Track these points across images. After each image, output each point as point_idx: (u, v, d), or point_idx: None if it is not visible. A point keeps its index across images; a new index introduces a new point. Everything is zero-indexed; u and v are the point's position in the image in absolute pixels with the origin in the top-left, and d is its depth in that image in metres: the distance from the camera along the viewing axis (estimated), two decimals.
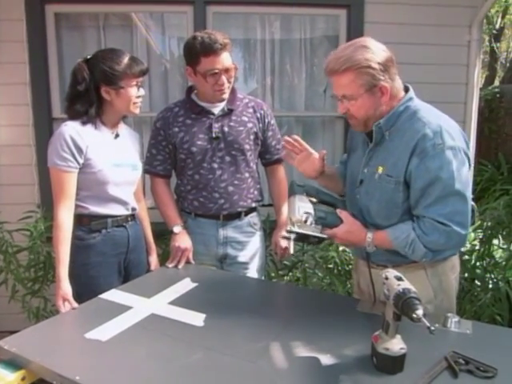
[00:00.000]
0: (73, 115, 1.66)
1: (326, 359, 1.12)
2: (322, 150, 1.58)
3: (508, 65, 9.19)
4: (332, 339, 1.22)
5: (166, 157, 1.93)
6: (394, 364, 1.06)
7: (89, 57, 1.67)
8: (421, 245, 1.34)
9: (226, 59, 1.76)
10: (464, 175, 1.31)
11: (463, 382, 1.03)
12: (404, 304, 1.00)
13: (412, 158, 1.32)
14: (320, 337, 1.23)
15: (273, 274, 2.58)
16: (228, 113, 1.89)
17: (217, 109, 1.89)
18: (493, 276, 2.42)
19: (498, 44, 8.86)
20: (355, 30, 2.85)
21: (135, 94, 1.68)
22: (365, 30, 2.86)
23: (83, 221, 1.68)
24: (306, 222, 1.39)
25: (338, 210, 1.47)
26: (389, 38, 2.78)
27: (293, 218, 1.40)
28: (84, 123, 1.65)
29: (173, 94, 2.94)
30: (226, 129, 1.87)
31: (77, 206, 1.65)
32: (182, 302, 1.47)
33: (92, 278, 1.69)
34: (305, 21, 3.00)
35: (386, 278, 1.09)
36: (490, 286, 2.39)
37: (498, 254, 2.53)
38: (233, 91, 1.92)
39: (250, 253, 2.00)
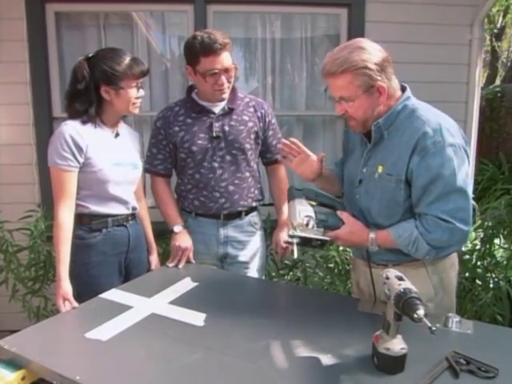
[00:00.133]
0: (72, 114, 1.66)
1: (327, 359, 1.12)
2: (321, 153, 1.58)
3: (509, 64, 9.18)
4: (333, 339, 1.22)
5: (166, 156, 1.93)
6: (394, 364, 1.06)
7: (90, 55, 1.66)
8: (424, 242, 1.34)
9: (225, 59, 1.76)
10: (464, 172, 1.32)
11: (464, 382, 1.02)
12: (405, 304, 1.00)
13: (413, 156, 1.32)
14: (321, 336, 1.23)
15: (273, 274, 2.57)
16: (229, 112, 1.89)
17: (217, 108, 1.88)
18: (494, 275, 2.42)
19: (499, 43, 8.84)
20: (356, 29, 2.85)
21: (135, 94, 1.68)
22: (366, 29, 2.85)
23: (84, 220, 1.68)
24: (307, 225, 1.38)
25: (338, 212, 1.46)
26: (390, 37, 2.82)
27: (294, 223, 1.40)
28: (84, 122, 1.65)
29: (173, 94, 2.94)
30: (226, 128, 1.87)
31: (77, 206, 1.65)
32: (182, 301, 1.47)
33: (92, 278, 1.68)
34: (305, 20, 2.99)
35: (387, 278, 1.09)
36: (491, 285, 2.38)
37: (499, 254, 2.53)
38: (233, 90, 1.91)
39: (251, 252, 2.00)
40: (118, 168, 1.70)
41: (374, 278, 1.47)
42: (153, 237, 2.00)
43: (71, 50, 2.81)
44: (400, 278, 1.07)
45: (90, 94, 1.63)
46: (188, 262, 1.87)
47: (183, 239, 1.87)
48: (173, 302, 1.46)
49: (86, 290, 1.57)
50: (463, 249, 2.54)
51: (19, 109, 2.75)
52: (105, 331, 1.26)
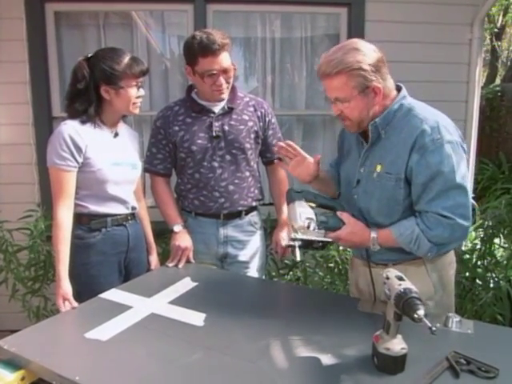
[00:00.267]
0: (72, 114, 1.66)
1: (327, 359, 1.12)
2: (317, 155, 1.58)
3: (509, 63, 9.18)
4: (332, 339, 1.22)
5: (166, 155, 1.93)
6: (395, 364, 1.05)
7: (90, 55, 1.66)
8: (426, 240, 1.34)
9: (224, 60, 1.76)
10: (463, 168, 1.33)
11: (464, 382, 1.02)
12: (405, 304, 1.00)
13: (412, 154, 1.33)
14: (321, 336, 1.23)
15: (273, 273, 2.57)
16: (228, 111, 1.89)
17: (217, 107, 1.88)
18: (494, 275, 2.42)
19: (499, 42, 8.84)
20: (356, 28, 2.84)
21: (135, 94, 1.67)
22: (366, 28, 2.85)
23: (83, 220, 1.68)
24: (308, 227, 1.38)
25: (338, 212, 1.46)
26: (390, 37, 2.82)
27: (295, 225, 1.39)
28: (83, 122, 1.65)
29: (173, 93, 2.93)
30: (226, 127, 1.87)
31: (76, 205, 1.65)
32: (182, 301, 1.47)
33: (92, 278, 1.68)
34: (305, 19, 2.99)
35: (387, 278, 1.09)
36: (491, 285, 2.38)
37: (499, 253, 2.53)
38: (233, 90, 1.91)
39: (251, 252, 2.00)
40: (117, 168, 1.70)
41: (373, 278, 1.47)
42: (152, 236, 2.00)
43: (71, 50, 2.80)
44: (400, 278, 1.07)
45: (90, 94, 1.63)
46: (188, 261, 1.87)
47: (183, 239, 1.87)
48: (173, 302, 1.46)
49: (85, 289, 1.57)
50: (463, 248, 2.55)
51: (19, 108, 2.75)
52: (104, 331, 1.25)
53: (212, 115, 1.87)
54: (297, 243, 1.38)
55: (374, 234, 1.40)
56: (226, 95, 1.86)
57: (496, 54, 8.88)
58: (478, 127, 3.06)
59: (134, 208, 1.82)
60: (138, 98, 1.70)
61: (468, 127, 2.95)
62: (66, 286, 1.55)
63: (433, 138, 1.30)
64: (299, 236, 1.38)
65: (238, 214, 1.95)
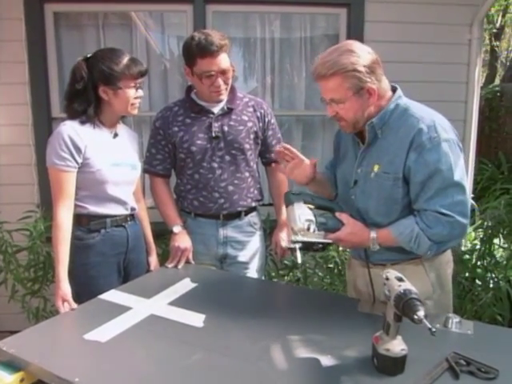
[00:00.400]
0: (72, 114, 1.66)
1: (327, 360, 1.11)
2: (314, 159, 1.58)
3: (508, 64, 9.19)
4: (332, 340, 1.22)
5: (165, 156, 1.93)
6: (394, 365, 1.05)
7: (89, 55, 1.66)
8: (425, 238, 1.35)
9: (222, 61, 1.75)
10: (461, 166, 1.35)
11: (464, 383, 1.02)
12: (405, 305, 0.99)
13: (409, 153, 1.34)
14: (320, 337, 1.23)
15: (273, 274, 2.57)
16: (228, 112, 1.89)
17: (216, 108, 1.88)
18: (493, 275, 2.42)
19: (499, 43, 8.85)
20: (355, 28, 2.84)
21: (133, 95, 1.67)
22: (365, 28, 2.85)
23: (82, 221, 1.68)
24: (308, 229, 1.37)
25: (337, 213, 1.46)
26: (389, 37, 2.82)
27: (295, 228, 1.39)
28: (82, 123, 1.65)
29: (172, 94, 2.93)
30: (225, 128, 1.87)
31: (76, 206, 1.64)
32: (181, 302, 1.46)
33: (91, 278, 1.68)
34: (305, 20, 2.99)
35: (387, 279, 1.09)
36: (491, 285, 2.39)
37: (499, 254, 2.53)
38: (232, 90, 1.91)
39: (250, 252, 1.99)
40: (116, 168, 1.70)
41: (372, 278, 1.47)
42: (152, 237, 1.99)
43: (70, 50, 2.80)
44: (400, 279, 1.07)
45: (89, 94, 1.63)
46: (187, 262, 1.87)
47: (182, 240, 1.87)
48: (172, 303, 1.46)
49: (85, 290, 1.57)
50: (463, 248, 2.55)
51: (18, 109, 2.75)
52: (104, 332, 1.25)
53: (211, 116, 1.87)
54: (297, 245, 1.38)
55: (373, 234, 1.41)
56: (224, 96, 1.86)
57: (495, 55, 8.89)
58: (478, 127, 3.06)
59: (133, 209, 1.82)
60: (136, 98, 1.69)
61: (467, 127, 2.95)
62: (65, 287, 1.55)
63: (430, 136, 1.31)
64: (299, 238, 1.38)
65: (237, 215, 1.95)
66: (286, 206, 1.49)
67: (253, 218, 2.01)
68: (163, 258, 2.08)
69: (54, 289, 1.58)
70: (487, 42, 8.26)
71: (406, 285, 1.04)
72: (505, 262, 2.44)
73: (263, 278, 2.16)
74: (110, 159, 1.68)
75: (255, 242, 2.01)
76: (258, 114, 1.95)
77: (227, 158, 1.89)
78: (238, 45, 2.98)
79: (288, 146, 1.60)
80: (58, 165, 1.59)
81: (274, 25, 2.99)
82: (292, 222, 1.42)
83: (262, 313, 1.41)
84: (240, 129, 1.89)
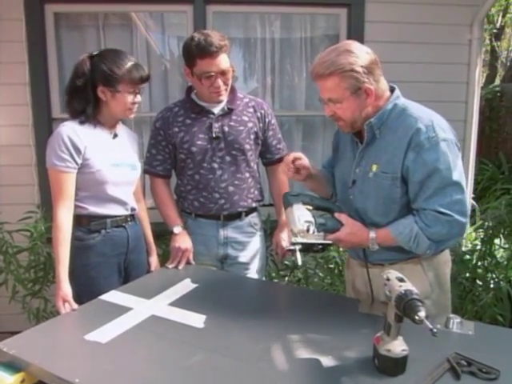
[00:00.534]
0: (71, 112, 1.66)
1: (327, 361, 1.11)
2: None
3: (508, 64, 9.18)
4: (333, 340, 1.22)
5: (165, 157, 1.93)
6: (395, 366, 1.05)
7: (95, 53, 1.66)
8: (425, 237, 1.35)
9: (222, 62, 1.75)
10: (459, 165, 1.35)
11: (465, 383, 1.02)
12: (406, 306, 0.99)
13: (408, 152, 1.34)
14: (321, 338, 1.23)
15: (274, 275, 2.57)
16: (228, 112, 1.89)
17: (217, 108, 1.88)
18: (494, 276, 2.41)
19: (499, 43, 8.84)
20: (356, 29, 2.84)
21: (131, 100, 1.67)
22: (365, 29, 2.85)
23: (82, 221, 1.67)
24: (308, 230, 1.37)
25: (336, 214, 1.46)
26: (389, 38, 2.82)
27: (294, 229, 1.39)
28: (82, 123, 1.65)
29: (173, 94, 2.93)
30: (226, 128, 1.87)
31: (76, 207, 1.64)
32: (182, 303, 1.46)
33: (92, 279, 1.68)
34: (305, 20, 2.99)
35: (388, 279, 1.09)
36: (492, 285, 2.38)
37: (500, 254, 2.53)
38: (232, 90, 1.91)
39: (251, 253, 1.99)
40: (116, 169, 1.70)
41: (370, 278, 1.47)
42: (152, 238, 1.99)
43: (70, 51, 2.80)
44: (401, 280, 1.07)
45: (88, 92, 1.63)
46: (188, 263, 1.87)
47: (183, 240, 1.87)
48: (173, 304, 1.45)
49: (85, 291, 1.57)
50: (463, 249, 2.54)
51: (18, 110, 2.75)
52: (104, 333, 1.25)
53: (212, 116, 1.87)
54: (297, 247, 1.38)
55: (372, 234, 1.41)
56: (224, 97, 1.86)
57: (495, 55, 8.88)
58: (478, 128, 3.06)
59: (133, 209, 1.81)
60: (133, 104, 1.69)
61: (468, 128, 2.95)
62: (65, 288, 1.55)
63: (428, 136, 1.32)
64: (299, 240, 1.38)
65: (238, 215, 1.95)
66: (285, 208, 1.49)
67: (253, 218, 2.01)
68: (164, 259, 2.08)
69: (54, 289, 1.58)
70: (487, 42, 8.25)
71: (407, 285, 1.04)
72: (505, 263, 2.43)
73: (264, 278, 2.15)
74: (109, 160, 1.68)
75: (256, 243, 2.01)
76: (259, 114, 1.95)
77: (227, 158, 1.88)
78: (238, 45, 2.98)
79: (301, 162, 1.58)
80: (58, 166, 1.59)
81: (275, 25, 2.99)
82: (291, 224, 1.41)
83: (263, 313, 1.41)
84: (240, 129, 1.89)
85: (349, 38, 2.77)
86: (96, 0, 2.75)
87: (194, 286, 1.61)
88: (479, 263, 2.45)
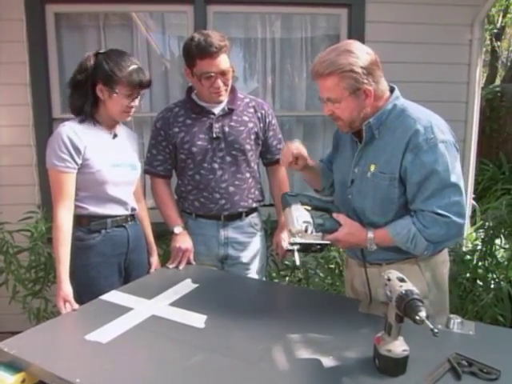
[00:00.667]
0: (72, 107, 1.68)
1: (328, 361, 1.11)
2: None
3: (509, 64, 9.18)
4: (334, 341, 1.22)
5: (166, 157, 1.93)
6: (396, 366, 1.05)
7: (102, 51, 1.67)
8: (422, 238, 1.35)
9: (222, 62, 1.75)
10: (457, 167, 1.35)
11: (466, 383, 1.02)
12: (407, 306, 0.99)
13: (406, 153, 1.34)
14: (322, 338, 1.23)
15: (274, 275, 2.57)
16: (229, 112, 1.89)
17: (217, 109, 1.88)
18: (495, 276, 2.41)
19: (499, 43, 8.84)
20: (356, 29, 2.84)
21: (127, 103, 1.67)
22: (366, 29, 2.85)
23: (82, 221, 1.68)
24: (306, 231, 1.37)
25: (334, 214, 1.47)
26: (390, 38, 2.82)
27: (293, 230, 1.39)
28: (81, 121, 1.65)
29: (173, 94, 2.93)
30: (226, 129, 1.87)
31: (76, 207, 1.64)
32: (182, 303, 1.46)
33: (92, 279, 1.68)
34: (305, 20, 2.99)
35: (388, 280, 1.08)
36: (492, 286, 2.38)
37: (500, 254, 2.53)
38: (233, 91, 1.91)
39: (251, 253, 1.99)
40: (116, 169, 1.70)
41: (368, 278, 1.47)
42: (153, 238, 1.99)
43: (71, 51, 2.80)
44: (401, 280, 1.07)
45: (87, 89, 1.63)
46: (188, 263, 1.87)
47: (183, 240, 1.87)
48: (173, 304, 1.45)
49: (85, 291, 1.57)
50: (464, 249, 2.54)
51: (19, 110, 2.75)
52: (105, 333, 1.25)
53: (212, 116, 1.87)
54: (295, 247, 1.38)
55: (370, 235, 1.41)
56: (224, 97, 1.86)
57: (496, 55, 8.87)
58: (479, 128, 3.06)
59: (133, 209, 1.82)
60: (130, 107, 1.69)
61: (468, 128, 2.95)
62: (66, 288, 1.55)
63: (426, 137, 1.32)
64: (298, 240, 1.38)
65: (238, 216, 1.95)
66: (283, 208, 1.49)
67: (254, 218, 2.01)
68: (164, 259, 2.08)
69: (55, 289, 1.59)
70: (488, 42, 8.25)
71: (408, 285, 1.04)
72: (506, 263, 2.43)
73: (264, 278, 2.15)
74: (109, 160, 1.68)
75: (256, 243, 2.01)
76: (259, 114, 1.95)
77: (228, 158, 1.88)
78: (238, 45, 2.98)
79: (300, 152, 1.57)
80: (58, 166, 1.59)
81: (275, 25, 2.99)
82: (290, 224, 1.41)
83: (263, 313, 1.41)
84: (241, 129, 1.89)
85: (349, 38, 2.76)
86: (96, 0, 2.75)
87: (195, 286, 1.61)
88: (480, 263, 2.44)
